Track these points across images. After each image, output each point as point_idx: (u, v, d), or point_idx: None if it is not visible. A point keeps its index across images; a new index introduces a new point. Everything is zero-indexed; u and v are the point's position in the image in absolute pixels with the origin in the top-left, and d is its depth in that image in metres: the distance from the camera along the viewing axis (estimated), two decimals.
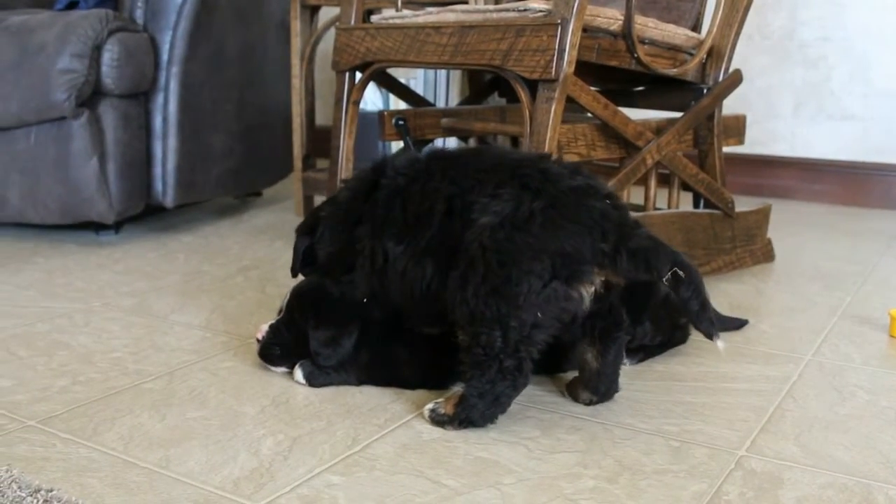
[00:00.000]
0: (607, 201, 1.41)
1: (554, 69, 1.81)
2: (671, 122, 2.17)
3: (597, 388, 1.50)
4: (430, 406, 1.44)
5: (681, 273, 1.34)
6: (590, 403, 1.51)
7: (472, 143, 2.81)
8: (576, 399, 1.52)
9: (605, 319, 1.44)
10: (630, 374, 1.63)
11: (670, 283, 1.34)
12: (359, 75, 2.28)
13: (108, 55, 2.44)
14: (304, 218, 1.78)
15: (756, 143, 3.44)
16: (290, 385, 1.58)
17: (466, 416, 1.40)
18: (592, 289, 1.39)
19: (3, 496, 1.16)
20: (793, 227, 2.93)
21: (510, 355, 1.36)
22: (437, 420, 1.42)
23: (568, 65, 1.81)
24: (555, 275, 1.35)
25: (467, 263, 1.38)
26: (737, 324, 1.92)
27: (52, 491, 1.18)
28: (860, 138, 3.34)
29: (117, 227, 2.69)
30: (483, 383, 1.37)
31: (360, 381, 1.58)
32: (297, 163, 3.03)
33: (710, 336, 1.38)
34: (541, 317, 1.35)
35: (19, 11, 2.72)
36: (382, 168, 1.60)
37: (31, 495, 1.16)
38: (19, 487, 1.18)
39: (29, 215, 2.58)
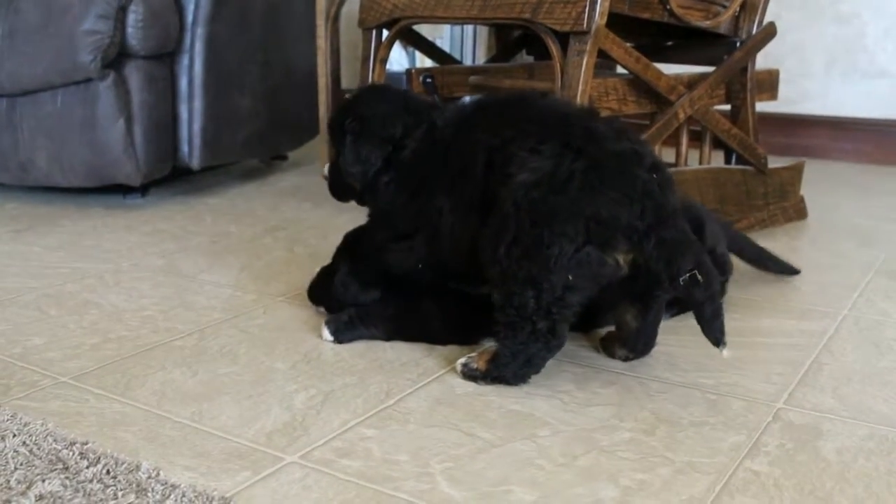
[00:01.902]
0: (653, 175, 1.34)
1: (586, 21, 1.78)
2: (703, 76, 2.13)
3: (635, 346, 1.48)
4: (462, 360, 1.43)
5: (699, 276, 1.29)
6: (626, 360, 1.49)
7: None
8: (612, 355, 1.50)
9: (645, 278, 1.40)
10: (664, 328, 1.59)
11: (685, 283, 1.29)
12: (385, 33, 2.25)
13: (133, 16, 2.42)
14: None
15: (787, 101, 3.37)
16: (321, 342, 1.57)
17: (499, 374, 1.38)
18: (630, 256, 1.33)
19: (38, 448, 1.16)
20: (825, 185, 2.88)
21: (543, 317, 1.33)
22: (470, 375, 1.41)
23: (600, 16, 1.78)
24: (589, 239, 1.30)
25: (500, 222, 1.35)
26: (790, 270, 1.91)
27: (87, 444, 1.18)
28: (894, 96, 3.27)
29: (144, 189, 2.68)
30: (516, 344, 1.36)
31: (389, 337, 1.56)
32: (323, 125, 3.01)
33: (716, 344, 1.33)
34: (572, 280, 1.31)
35: None
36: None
37: (67, 448, 1.16)
38: (54, 440, 1.18)
39: (56, 178, 2.58)
